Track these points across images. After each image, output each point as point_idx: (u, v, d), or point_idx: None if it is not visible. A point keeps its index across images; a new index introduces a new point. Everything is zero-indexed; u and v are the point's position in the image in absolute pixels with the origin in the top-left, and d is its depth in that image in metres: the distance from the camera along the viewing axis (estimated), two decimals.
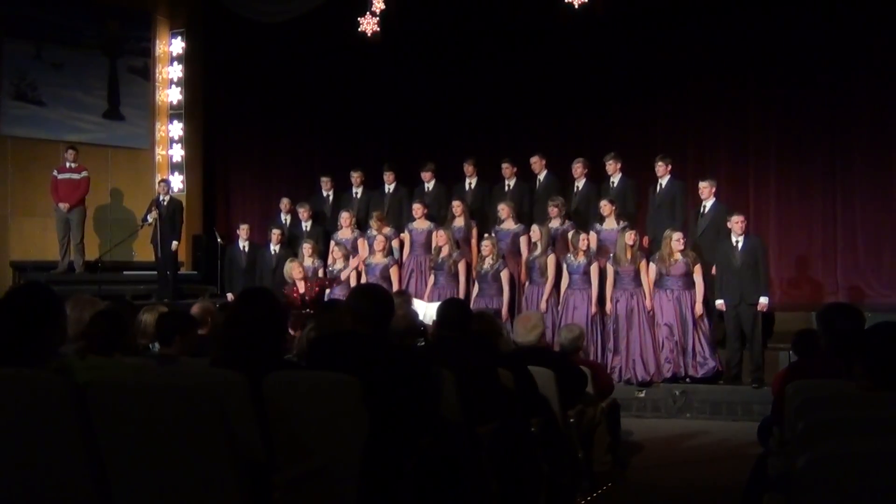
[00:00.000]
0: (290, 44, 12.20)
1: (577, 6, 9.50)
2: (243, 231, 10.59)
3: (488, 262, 9.12)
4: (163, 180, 11.68)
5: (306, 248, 9.85)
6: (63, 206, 10.85)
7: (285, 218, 10.89)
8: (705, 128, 11.91)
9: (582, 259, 8.88)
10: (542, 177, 10.19)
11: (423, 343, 5.11)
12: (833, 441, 2.33)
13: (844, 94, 11.02)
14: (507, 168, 10.17)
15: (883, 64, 10.69)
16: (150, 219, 11.02)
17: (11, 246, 11.32)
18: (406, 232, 10.05)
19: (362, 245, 10.12)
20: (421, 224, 9.92)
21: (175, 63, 12.75)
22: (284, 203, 10.95)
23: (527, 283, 9.23)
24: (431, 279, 9.48)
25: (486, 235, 9.45)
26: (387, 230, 10.04)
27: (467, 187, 10.44)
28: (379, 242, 9.72)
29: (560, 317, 8.80)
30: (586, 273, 8.88)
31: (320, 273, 9.75)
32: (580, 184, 9.93)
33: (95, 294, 7.26)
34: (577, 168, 9.88)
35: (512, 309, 9.13)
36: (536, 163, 10.17)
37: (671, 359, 8.46)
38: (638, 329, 8.61)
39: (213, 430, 2.71)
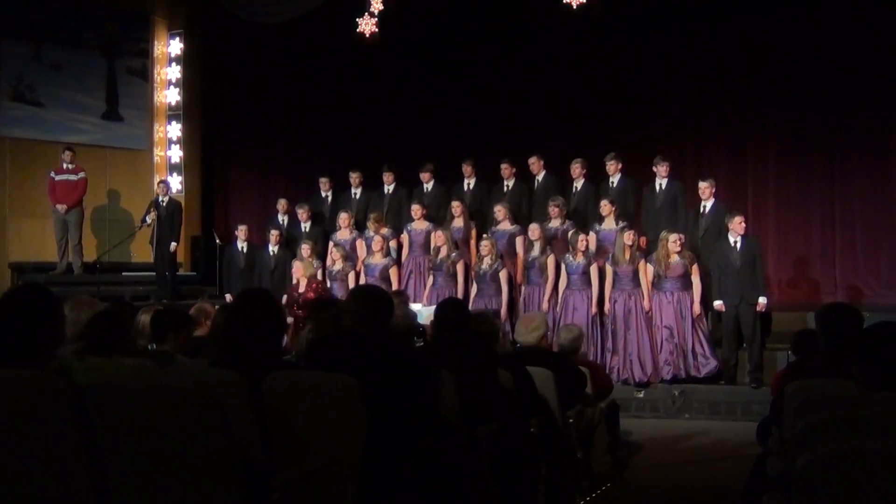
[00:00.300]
0: (289, 44, 12.20)
1: (575, 7, 9.50)
2: (242, 232, 10.59)
3: (487, 262, 9.12)
4: (162, 181, 11.68)
5: (305, 248, 9.85)
6: (61, 207, 10.83)
7: (282, 219, 10.90)
8: (704, 128, 11.91)
9: (581, 259, 8.87)
10: (540, 177, 10.19)
11: (421, 344, 5.11)
12: (832, 441, 2.33)
13: (843, 95, 11.03)
14: (506, 168, 10.17)
15: (882, 64, 10.69)
16: (148, 220, 11.01)
17: (10, 247, 11.32)
18: (405, 233, 10.05)
19: (361, 246, 10.12)
20: (420, 225, 9.92)
21: (173, 64, 12.75)
22: (282, 204, 10.96)
23: (524, 284, 9.21)
24: (430, 280, 9.48)
25: (484, 236, 9.46)
26: (384, 231, 10.05)
27: (466, 188, 10.45)
28: (377, 243, 9.72)
29: (559, 317, 8.80)
30: (585, 273, 8.88)
31: (318, 275, 9.74)
32: (579, 184, 9.94)
33: (94, 295, 7.25)
34: (576, 168, 9.88)
35: (511, 309, 9.14)
36: (535, 163, 10.17)
37: (671, 361, 8.45)
38: (636, 330, 8.61)
39: (212, 431, 2.71)
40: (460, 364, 4.04)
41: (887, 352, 2.96)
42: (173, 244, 10.95)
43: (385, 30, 10.57)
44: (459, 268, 9.34)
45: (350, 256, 9.93)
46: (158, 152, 12.67)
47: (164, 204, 11.04)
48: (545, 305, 8.91)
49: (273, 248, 10.32)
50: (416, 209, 9.95)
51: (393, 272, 9.70)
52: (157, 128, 12.68)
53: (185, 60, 12.72)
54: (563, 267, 9.00)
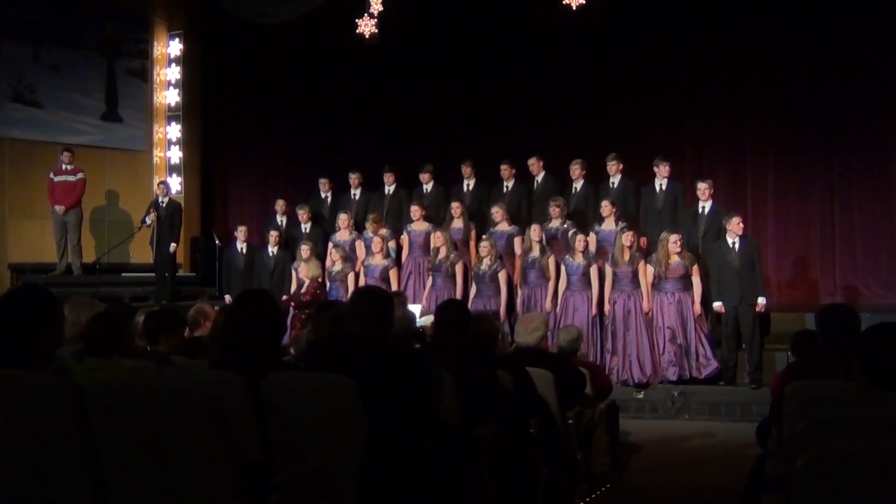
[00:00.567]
0: (288, 45, 12.20)
1: (574, 8, 9.51)
2: (241, 233, 10.59)
3: (486, 262, 9.13)
4: (161, 182, 11.68)
5: (304, 249, 9.85)
6: (59, 208, 10.83)
7: (281, 219, 10.91)
8: (703, 129, 11.92)
9: (581, 260, 8.87)
10: (539, 178, 10.20)
11: (419, 345, 5.11)
12: (831, 442, 2.33)
13: (842, 96, 11.04)
14: (505, 169, 10.18)
15: (881, 65, 10.70)
16: (148, 220, 11.01)
17: (9, 248, 11.32)
18: (405, 234, 10.05)
19: (360, 247, 10.12)
20: (419, 226, 9.92)
21: (173, 65, 12.75)
22: (280, 205, 10.96)
23: (522, 285, 9.16)
24: (429, 281, 9.48)
25: (483, 237, 9.46)
26: (383, 231, 10.04)
27: (465, 189, 10.45)
28: (376, 244, 9.72)
29: (560, 318, 8.79)
30: (585, 274, 8.87)
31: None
32: (578, 185, 9.94)
33: (93, 296, 7.25)
34: (575, 169, 9.89)
35: (510, 309, 9.14)
36: (534, 164, 10.18)
37: (675, 361, 8.45)
38: (635, 331, 8.60)
39: (211, 432, 2.71)
40: (460, 365, 4.04)
41: (887, 352, 2.96)
42: (173, 245, 10.95)
43: (384, 31, 10.58)
44: (458, 269, 9.35)
45: (349, 257, 9.93)
46: (158, 153, 12.67)
47: (164, 205, 11.03)
48: (548, 306, 8.90)
49: (272, 249, 10.32)
50: (415, 210, 9.95)
51: (392, 273, 9.70)
52: (156, 129, 12.67)
53: (185, 61, 12.72)
54: (562, 268, 9.00)
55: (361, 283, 9.54)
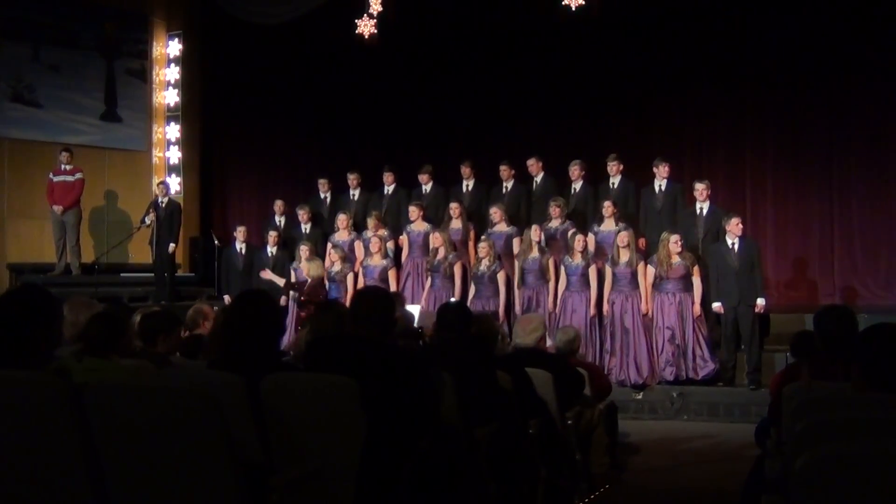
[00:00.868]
0: (288, 46, 12.19)
1: (574, 9, 9.51)
2: (240, 233, 10.59)
3: (485, 263, 9.12)
4: (161, 182, 11.68)
5: (304, 250, 9.84)
6: (57, 208, 10.83)
7: (280, 220, 10.90)
8: (702, 130, 11.92)
9: (580, 261, 8.87)
10: (538, 179, 10.20)
11: (419, 345, 5.11)
12: (830, 442, 2.33)
13: (841, 96, 11.05)
14: (505, 170, 10.18)
15: (880, 66, 10.70)
16: (147, 221, 11.01)
17: (8, 248, 11.31)
18: (404, 234, 10.04)
19: (359, 247, 10.12)
20: (419, 226, 9.92)
21: (172, 65, 12.75)
22: (278, 205, 10.96)
23: (522, 286, 9.14)
24: (428, 281, 9.48)
25: (482, 237, 9.45)
26: (382, 232, 10.03)
27: (465, 189, 10.45)
28: (374, 244, 9.71)
29: (559, 319, 8.79)
30: (584, 275, 8.87)
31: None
32: (577, 186, 9.94)
33: (92, 296, 7.25)
34: (575, 170, 9.88)
35: (508, 310, 9.13)
36: (533, 165, 10.18)
37: (673, 362, 8.45)
38: (632, 332, 8.60)
39: (210, 433, 2.71)
40: (459, 365, 4.04)
41: (885, 353, 2.96)
42: (171, 245, 10.94)
43: (384, 31, 10.57)
44: (457, 269, 9.34)
45: (348, 258, 9.93)
46: (157, 153, 12.66)
47: (164, 205, 11.03)
48: (550, 307, 8.90)
49: (271, 250, 10.32)
50: (413, 210, 9.95)
51: (391, 273, 9.70)
52: (155, 129, 12.67)
53: (184, 61, 12.71)
54: (562, 268, 9.00)
55: (360, 283, 9.53)
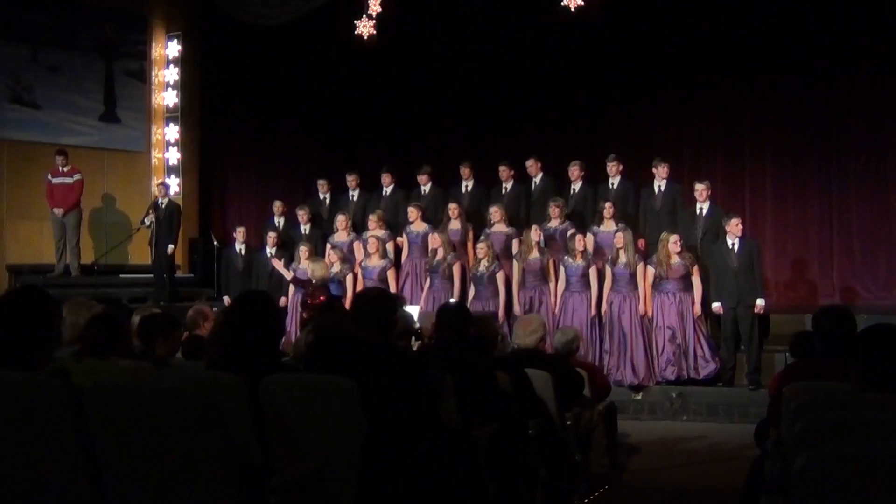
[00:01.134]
0: (287, 46, 12.19)
1: (573, 9, 9.51)
2: (240, 234, 10.58)
3: (483, 264, 9.12)
4: (161, 183, 11.68)
5: (303, 251, 9.84)
6: (58, 211, 10.83)
7: (278, 221, 10.90)
8: (701, 130, 11.92)
9: (580, 261, 8.86)
10: (537, 179, 10.19)
11: (418, 344, 5.12)
12: (829, 443, 2.34)
13: (841, 97, 11.05)
14: (504, 171, 10.17)
15: (880, 66, 10.71)
16: (147, 222, 11.01)
17: (7, 249, 11.30)
18: (404, 235, 10.04)
19: (358, 248, 10.11)
20: (418, 227, 9.91)
21: (171, 66, 12.75)
22: (277, 206, 10.96)
23: (523, 286, 9.13)
24: (427, 282, 9.47)
25: (481, 238, 9.45)
26: (380, 231, 10.02)
27: (464, 190, 10.45)
28: (372, 244, 9.69)
29: (558, 320, 8.78)
30: (584, 276, 8.87)
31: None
32: (577, 186, 9.93)
33: (91, 297, 7.24)
34: (574, 171, 9.88)
35: (508, 311, 9.13)
36: (532, 166, 10.18)
37: (674, 361, 8.45)
38: (630, 333, 8.60)
39: (209, 433, 2.71)
40: (459, 366, 4.04)
41: (884, 354, 2.97)
42: (170, 246, 10.93)
43: (383, 32, 10.57)
44: (456, 270, 9.33)
45: (348, 259, 9.92)
46: (156, 154, 12.66)
47: (164, 206, 11.03)
48: (553, 307, 8.90)
49: (270, 251, 10.31)
50: (412, 211, 9.94)
51: (390, 274, 9.69)
52: (154, 130, 12.66)
53: (183, 62, 12.72)
54: (561, 269, 9.00)
55: (360, 284, 9.52)
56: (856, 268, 10.89)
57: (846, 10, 10.59)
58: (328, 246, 10.15)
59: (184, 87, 12.72)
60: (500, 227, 9.59)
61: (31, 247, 11.36)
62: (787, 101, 11.33)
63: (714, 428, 7.93)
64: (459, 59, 12.64)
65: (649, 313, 8.62)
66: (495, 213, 9.60)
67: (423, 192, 10.55)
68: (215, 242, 11.68)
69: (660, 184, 9.46)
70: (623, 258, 8.69)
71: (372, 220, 10.08)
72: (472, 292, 9.22)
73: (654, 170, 9.47)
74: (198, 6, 12.65)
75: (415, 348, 5.07)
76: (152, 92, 12.67)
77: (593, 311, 8.80)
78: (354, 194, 10.89)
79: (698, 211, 9.12)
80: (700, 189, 9.08)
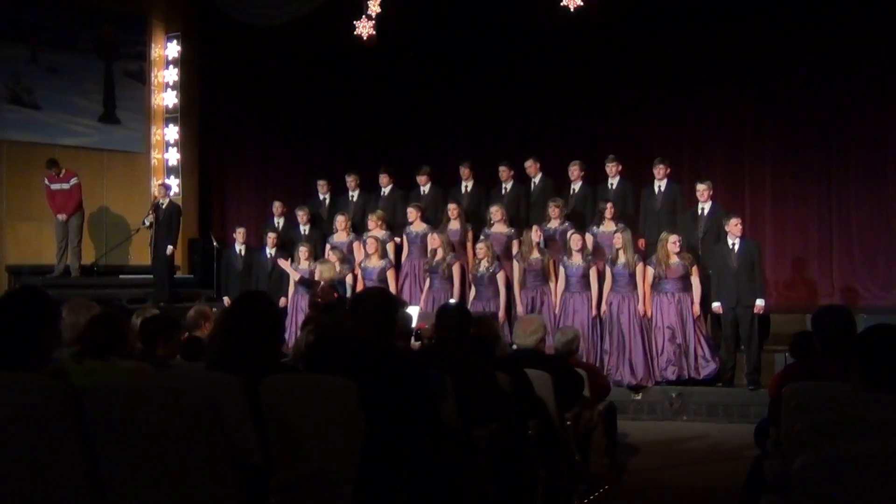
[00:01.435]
0: (286, 47, 12.20)
1: (572, 10, 9.51)
2: (239, 235, 10.58)
3: (483, 264, 9.11)
4: (161, 183, 11.67)
5: (303, 251, 9.84)
6: (61, 216, 10.84)
7: (278, 221, 10.90)
8: (701, 130, 11.92)
9: (579, 262, 8.86)
10: (536, 180, 10.19)
11: (418, 344, 5.12)
12: (829, 443, 2.34)
13: (840, 97, 11.05)
14: (504, 171, 10.17)
15: (879, 67, 10.71)
16: (147, 222, 11.01)
17: (7, 250, 11.31)
18: (404, 235, 10.04)
19: (358, 248, 10.11)
20: (417, 227, 9.91)
21: (171, 67, 12.75)
22: (277, 206, 10.96)
23: (524, 287, 9.13)
24: (427, 282, 9.47)
25: (481, 238, 9.45)
26: (379, 232, 10.01)
27: (463, 190, 10.45)
28: (370, 244, 9.68)
29: (558, 320, 8.78)
30: (584, 276, 8.86)
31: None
32: (576, 186, 9.93)
33: (91, 298, 7.24)
34: (574, 171, 9.88)
35: (509, 311, 9.13)
36: (531, 166, 10.18)
37: (674, 361, 8.45)
38: (628, 333, 8.60)
39: (209, 434, 2.71)
40: (458, 366, 4.04)
41: (885, 354, 2.97)
42: (169, 247, 10.92)
43: (382, 33, 10.57)
44: (455, 270, 9.33)
45: (347, 259, 9.92)
46: (155, 155, 12.66)
47: (164, 206, 11.03)
48: (555, 308, 8.90)
49: (270, 251, 10.31)
50: (412, 212, 9.94)
51: (390, 275, 9.69)
52: (154, 130, 12.67)
53: (183, 63, 12.72)
54: (561, 270, 9.00)
55: (360, 284, 9.52)
56: (855, 268, 10.89)
57: (846, 11, 10.59)
58: (327, 246, 10.15)
59: (183, 87, 12.72)
60: (500, 228, 9.58)
61: (31, 247, 11.36)
62: (787, 101, 11.34)
63: (714, 428, 7.93)
64: (459, 59, 12.64)
65: (648, 313, 8.62)
66: (496, 212, 9.59)
67: (422, 193, 10.55)
68: (215, 243, 11.67)
69: (660, 184, 9.47)
70: (622, 258, 8.69)
71: (372, 220, 10.09)
72: (472, 293, 9.22)
73: (653, 170, 9.48)
74: (197, 7, 12.66)
75: (415, 349, 5.08)
76: (152, 93, 12.67)
77: (594, 312, 8.80)
78: (354, 195, 10.89)
79: (700, 211, 9.12)
80: (701, 189, 9.08)
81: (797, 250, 11.20)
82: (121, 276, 11.51)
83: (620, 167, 9.76)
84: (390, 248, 10.07)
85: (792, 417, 3.00)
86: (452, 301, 8.70)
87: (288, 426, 3.16)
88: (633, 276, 8.67)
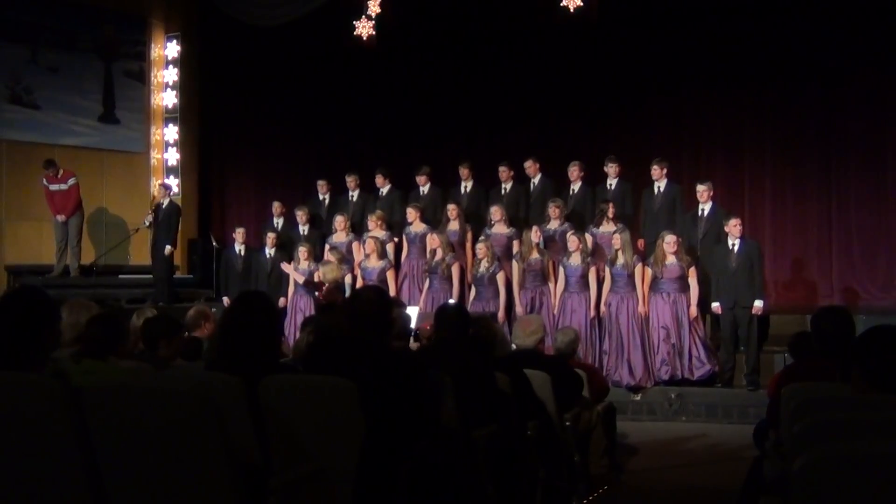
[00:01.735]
0: (286, 47, 12.18)
1: (572, 10, 9.51)
2: (239, 235, 10.58)
3: (483, 265, 9.11)
4: (162, 183, 11.67)
5: (302, 251, 9.84)
6: (60, 217, 10.84)
7: (278, 221, 10.90)
8: (700, 131, 11.92)
9: (578, 262, 8.86)
10: (536, 180, 10.19)
11: (416, 345, 5.12)
12: (829, 443, 2.34)
13: (840, 98, 11.05)
14: (504, 171, 10.18)
15: (878, 67, 10.71)
16: (146, 222, 11.00)
17: (6, 250, 11.30)
18: (403, 235, 10.04)
19: (357, 249, 10.11)
20: (416, 227, 9.91)
21: (170, 67, 12.74)
22: (276, 206, 10.96)
23: (524, 287, 9.12)
24: (426, 283, 9.47)
25: (480, 238, 9.45)
26: (381, 233, 10.02)
27: (463, 190, 10.45)
28: (369, 245, 9.67)
29: (557, 320, 8.78)
30: (583, 276, 8.87)
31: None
32: (576, 187, 9.94)
33: (90, 298, 7.24)
34: (574, 171, 9.89)
35: (509, 311, 9.12)
36: (531, 167, 10.18)
37: (668, 361, 8.45)
38: (627, 333, 8.60)
39: (208, 434, 2.71)
40: (458, 367, 4.04)
41: (884, 355, 2.97)
42: (168, 247, 10.91)
43: (382, 33, 10.57)
44: (455, 270, 9.33)
45: (346, 259, 9.92)
46: (155, 155, 12.65)
47: (165, 206, 11.02)
48: (555, 308, 8.90)
49: (270, 251, 10.31)
50: (411, 212, 9.94)
51: (389, 275, 9.69)
52: (153, 131, 12.66)
53: (182, 63, 12.71)
54: (561, 270, 9.00)
55: (359, 285, 9.51)
56: (855, 268, 10.89)
57: (846, 11, 10.59)
58: (327, 247, 10.15)
59: (183, 87, 12.72)
60: (500, 228, 9.58)
61: (30, 247, 11.36)
62: (786, 101, 11.34)
63: (713, 428, 7.94)
64: (458, 59, 12.64)
65: (647, 314, 8.62)
66: (496, 213, 9.59)
67: (421, 193, 10.56)
68: (214, 243, 11.67)
69: (659, 184, 9.47)
70: (621, 259, 8.69)
71: (372, 220, 10.09)
72: (472, 293, 9.22)
73: (653, 171, 9.48)
74: (197, 7, 12.65)
75: (414, 349, 5.07)
76: (151, 93, 12.66)
77: (592, 312, 8.80)
78: (354, 195, 10.89)
79: (700, 212, 9.12)
80: (702, 190, 9.08)
81: (797, 251, 11.20)
82: (120, 277, 11.51)
83: (619, 168, 9.76)
84: (390, 248, 10.06)
85: (791, 418, 3.00)
86: (451, 301, 8.70)
87: (287, 426, 3.16)
88: (631, 276, 8.68)
